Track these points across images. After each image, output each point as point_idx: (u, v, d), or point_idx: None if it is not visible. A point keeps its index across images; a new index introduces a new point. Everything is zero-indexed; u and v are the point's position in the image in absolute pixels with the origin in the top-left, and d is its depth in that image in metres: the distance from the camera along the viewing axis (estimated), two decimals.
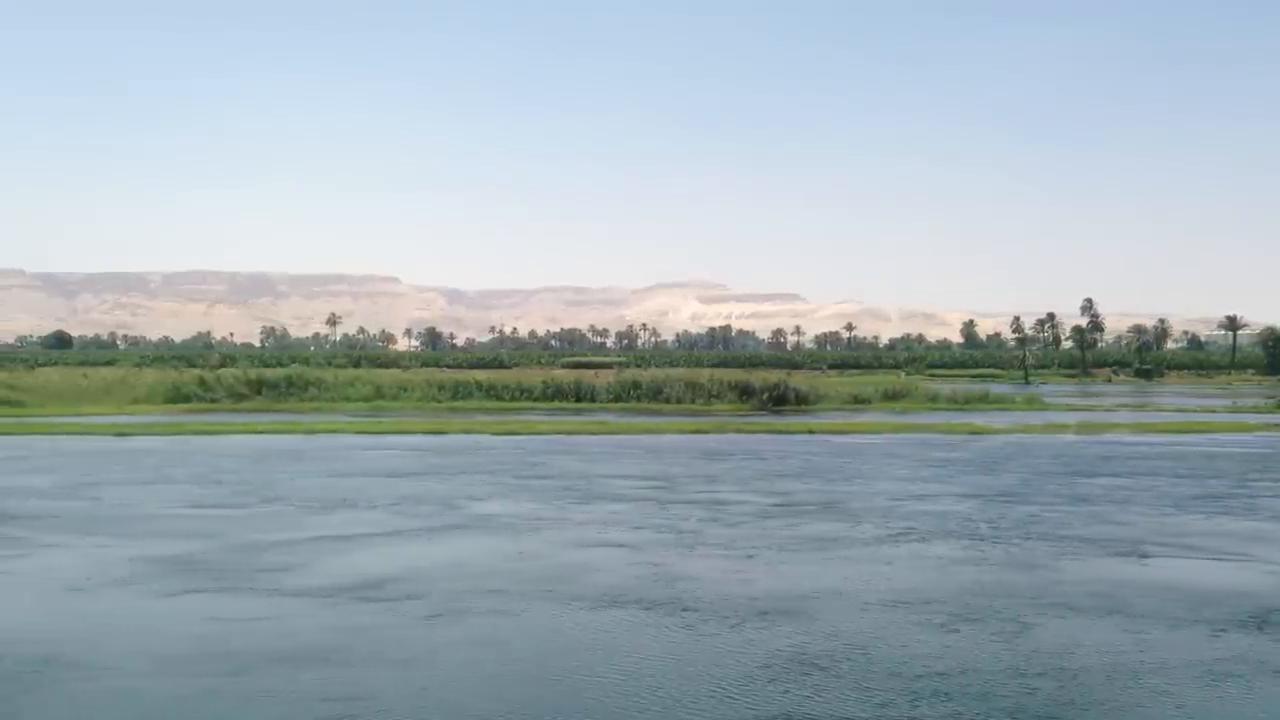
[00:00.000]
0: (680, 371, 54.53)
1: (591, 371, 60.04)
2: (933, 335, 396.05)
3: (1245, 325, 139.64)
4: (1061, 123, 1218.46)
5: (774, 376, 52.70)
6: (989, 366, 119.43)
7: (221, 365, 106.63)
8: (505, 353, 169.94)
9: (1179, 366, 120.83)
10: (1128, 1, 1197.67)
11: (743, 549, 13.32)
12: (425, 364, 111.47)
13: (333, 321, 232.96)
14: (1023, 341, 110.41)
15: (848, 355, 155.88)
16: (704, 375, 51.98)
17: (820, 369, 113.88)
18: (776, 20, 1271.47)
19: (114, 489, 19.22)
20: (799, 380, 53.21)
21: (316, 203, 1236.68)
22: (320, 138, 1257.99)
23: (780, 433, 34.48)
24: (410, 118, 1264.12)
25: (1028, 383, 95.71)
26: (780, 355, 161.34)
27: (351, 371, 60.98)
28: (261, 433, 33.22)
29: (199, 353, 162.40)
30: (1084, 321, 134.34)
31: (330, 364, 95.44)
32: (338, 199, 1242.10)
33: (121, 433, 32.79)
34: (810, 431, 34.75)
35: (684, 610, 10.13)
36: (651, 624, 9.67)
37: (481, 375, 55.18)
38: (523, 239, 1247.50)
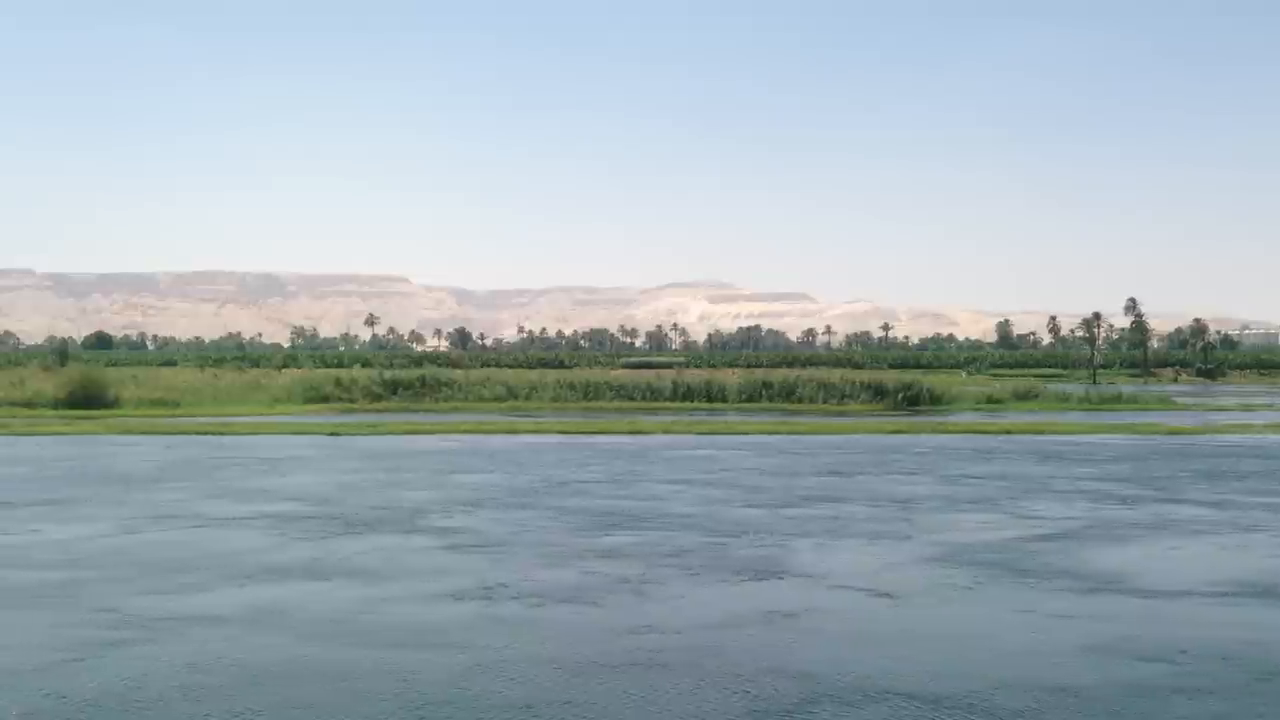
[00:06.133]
0: (811, 372, 55.15)
1: (729, 371, 60.36)
2: (944, 334, 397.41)
3: None
4: (1067, 123, 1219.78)
5: (908, 377, 53.25)
6: (1050, 366, 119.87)
7: (284, 366, 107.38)
8: (565, 353, 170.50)
9: (1241, 366, 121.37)
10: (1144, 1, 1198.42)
11: None
12: (485, 364, 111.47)
13: (370, 322, 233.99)
14: (1091, 341, 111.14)
15: (906, 355, 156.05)
16: (836, 375, 52.61)
17: (881, 368, 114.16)
18: (783, 18, 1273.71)
19: (593, 487, 19.10)
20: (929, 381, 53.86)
21: (324, 202, 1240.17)
22: (328, 137, 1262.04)
23: (974, 433, 34.63)
24: (419, 117, 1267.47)
25: (1095, 382, 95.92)
26: (842, 355, 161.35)
27: (480, 372, 61.55)
28: (468, 433, 33.50)
29: (262, 353, 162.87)
30: (1128, 321, 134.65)
31: (392, 365, 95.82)
32: (346, 199, 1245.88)
33: (334, 432, 33.04)
34: (1008, 432, 34.97)
35: None
36: None
37: (613, 375, 55.60)
38: (530, 238, 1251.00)
